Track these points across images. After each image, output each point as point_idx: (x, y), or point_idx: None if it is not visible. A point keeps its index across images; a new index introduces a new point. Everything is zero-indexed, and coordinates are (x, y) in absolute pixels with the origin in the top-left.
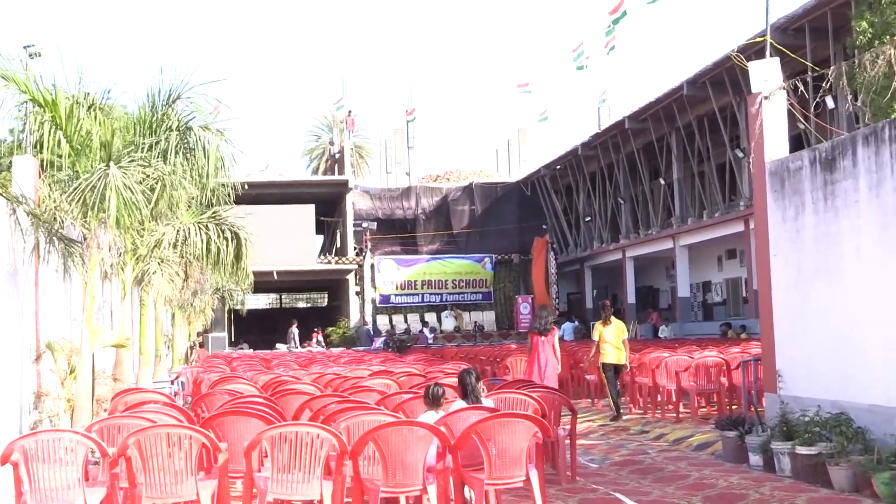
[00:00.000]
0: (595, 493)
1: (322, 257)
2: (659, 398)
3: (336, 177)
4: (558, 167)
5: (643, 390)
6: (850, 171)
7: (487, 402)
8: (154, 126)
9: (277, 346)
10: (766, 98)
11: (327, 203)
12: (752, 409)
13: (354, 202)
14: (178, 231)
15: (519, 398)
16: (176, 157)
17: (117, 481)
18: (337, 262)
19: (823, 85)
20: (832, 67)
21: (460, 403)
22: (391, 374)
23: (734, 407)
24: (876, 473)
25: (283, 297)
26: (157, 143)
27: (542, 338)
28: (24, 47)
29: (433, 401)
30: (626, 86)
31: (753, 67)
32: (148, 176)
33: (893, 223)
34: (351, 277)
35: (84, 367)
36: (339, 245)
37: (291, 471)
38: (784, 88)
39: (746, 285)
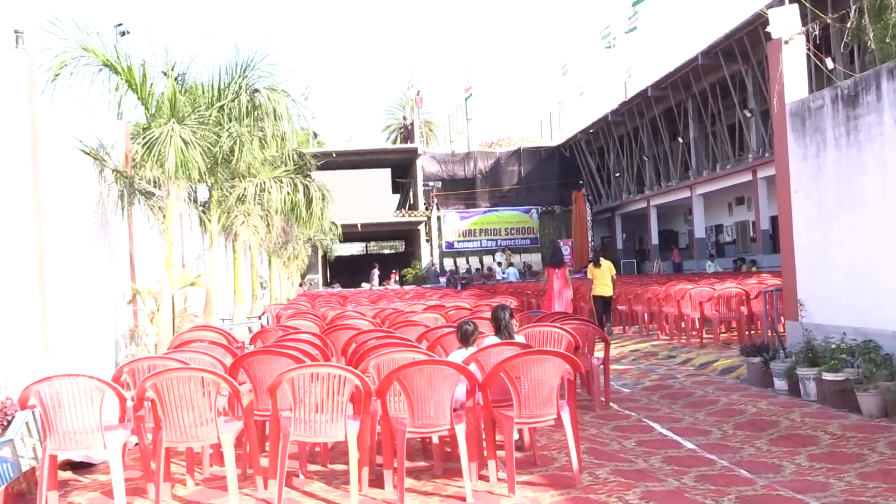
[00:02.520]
0: (628, 419)
1: (398, 212)
2: (683, 325)
3: (408, 145)
4: (591, 132)
5: (669, 319)
6: (874, 105)
7: (520, 338)
8: (222, 91)
9: (363, 285)
10: (786, 42)
11: (401, 167)
12: (775, 335)
13: (423, 166)
14: (257, 186)
15: (553, 331)
16: (248, 117)
17: (143, 423)
18: (410, 216)
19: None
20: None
21: (493, 339)
22: (442, 309)
23: (753, 332)
24: None
25: (368, 245)
26: (225, 105)
27: (557, 271)
28: (115, 26)
29: (464, 338)
30: (648, 60)
31: (773, 14)
32: (218, 136)
33: None
34: (422, 228)
35: (164, 306)
36: (411, 201)
37: (314, 412)
38: (802, 33)
39: (754, 227)
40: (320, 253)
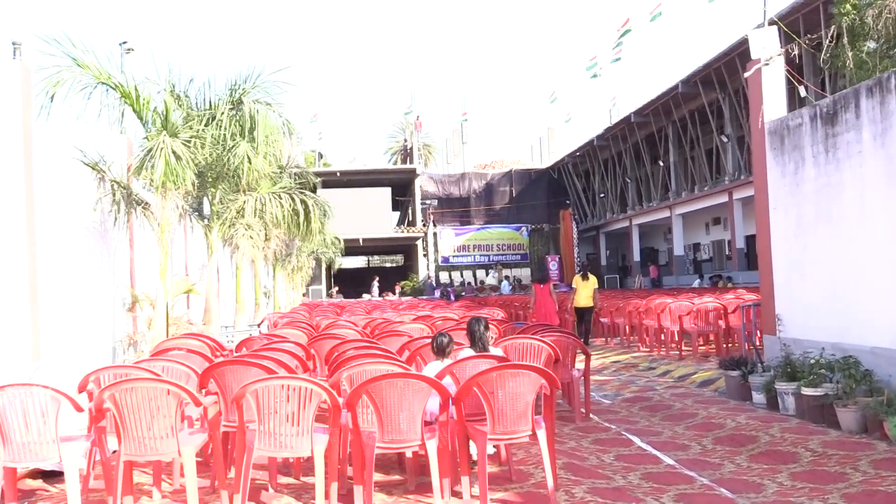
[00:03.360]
0: (608, 432)
1: (397, 228)
2: (663, 338)
3: (407, 166)
4: (578, 155)
5: (650, 331)
6: (853, 122)
7: (496, 350)
8: (213, 104)
9: (364, 295)
10: (765, 63)
11: (401, 186)
12: (752, 349)
13: (421, 185)
14: (255, 200)
15: (533, 344)
16: (230, 125)
17: (103, 435)
18: (408, 231)
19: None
20: (832, 28)
21: (468, 352)
22: (430, 319)
23: (730, 345)
24: (888, 417)
25: (370, 258)
26: (215, 117)
27: (541, 286)
28: (120, 44)
29: (439, 350)
30: (631, 88)
31: (753, 35)
32: (215, 147)
33: None
34: (419, 243)
35: (158, 313)
36: (410, 218)
37: (280, 425)
38: (781, 55)
39: (729, 245)
40: (324, 265)
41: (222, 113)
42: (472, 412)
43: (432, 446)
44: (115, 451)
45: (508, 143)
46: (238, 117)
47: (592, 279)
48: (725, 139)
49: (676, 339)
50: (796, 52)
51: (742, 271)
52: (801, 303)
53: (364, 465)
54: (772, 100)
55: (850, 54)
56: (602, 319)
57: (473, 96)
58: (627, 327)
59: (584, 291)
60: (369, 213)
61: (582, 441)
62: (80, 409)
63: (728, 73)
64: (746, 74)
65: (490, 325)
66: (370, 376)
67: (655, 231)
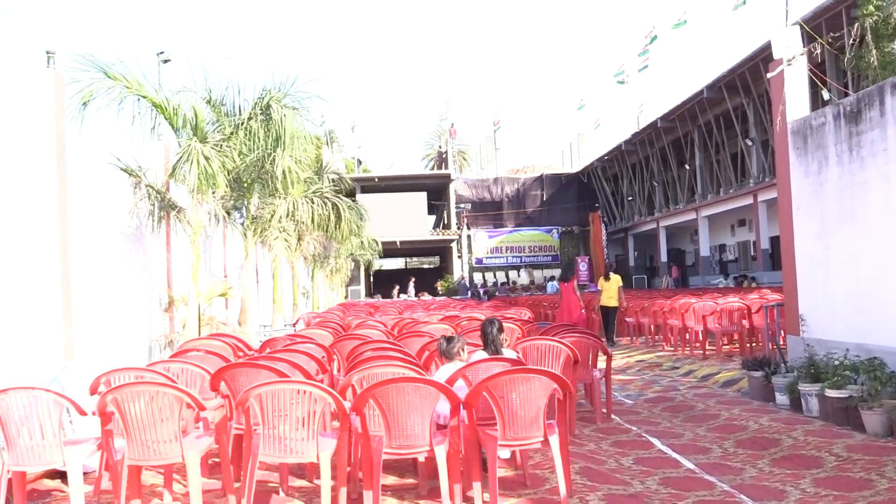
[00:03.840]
0: (628, 434)
1: (433, 231)
2: (688, 337)
3: (442, 171)
4: (607, 159)
5: (674, 331)
6: (878, 120)
7: (509, 352)
8: (241, 109)
9: (401, 295)
10: (788, 63)
11: (436, 191)
12: (776, 349)
13: (456, 189)
14: (289, 203)
15: (551, 345)
16: (260, 130)
17: (110, 438)
18: (443, 234)
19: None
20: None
21: (481, 354)
22: (456, 319)
23: (754, 345)
24: None
25: (408, 260)
26: (241, 123)
27: (565, 283)
28: (157, 54)
29: (443, 354)
30: (658, 94)
31: (776, 35)
32: (242, 153)
33: None
34: (454, 245)
35: (191, 314)
36: (445, 221)
37: (286, 429)
38: (804, 54)
39: (754, 246)
40: (362, 267)
41: (250, 118)
42: (484, 416)
43: (441, 452)
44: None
45: (540, 148)
46: (266, 123)
47: (615, 279)
48: (750, 143)
49: (700, 338)
50: (819, 52)
51: (767, 271)
52: (825, 303)
53: (372, 470)
54: (795, 100)
55: (874, 53)
56: (627, 319)
57: (506, 104)
58: (652, 326)
59: (607, 291)
60: (406, 217)
61: (602, 443)
62: (83, 413)
63: (752, 77)
64: (770, 75)
65: (506, 327)
66: (380, 379)
67: (682, 233)
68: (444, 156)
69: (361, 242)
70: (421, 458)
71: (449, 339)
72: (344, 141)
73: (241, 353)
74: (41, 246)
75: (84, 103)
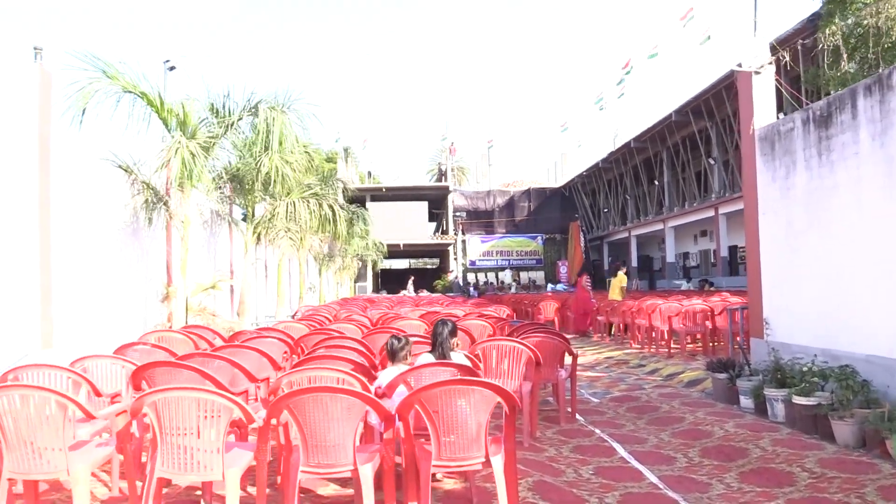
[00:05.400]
0: (591, 437)
1: (433, 235)
2: (654, 336)
3: (441, 183)
4: (586, 175)
5: (641, 330)
6: (849, 123)
7: (459, 356)
8: (230, 111)
9: (402, 292)
10: (756, 72)
11: (436, 200)
12: (740, 350)
13: (453, 200)
14: (287, 204)
15: (512, 346)
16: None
17: (128, 444)
18: (442, 238)
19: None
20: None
21: (427, 357)
22: (436, 314)
23: (715, 345)
24: (892, 434)
25: (411, 261)
26: (231, 124)
27: (579, 279)
28: (164, 62)
29: (391, 354)
30: (632, 117)
31: (744, 46)
32: (241, 154)
33: None
34: (451, 249)
35: (178, 305)
36: (444, 227)
37: (185, 443)
38: (772, 63)
39: (714, 254)
40: (369, 266)
41: (240, 119)
42: (424, 425)
43: (367, 472)
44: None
45: (528, 165)
46: (254, 124)
47: (618, 277)
48: (712, 162)
49: (666, 337)
50: (786, 62)
51: (725, 276)
52: (790, 307)
53: (289, 489)
54: (762, 107)
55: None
56: (599, 317)
57: (499, 126)
58: (622, 325)
59: (610, 289)
60: (409, 223)
61: (562, 448)
62: (91, 417)
63: (715, 103)
64: (739, 81)
65: (476, 325)
66: (309, 384)
67: (651, 241)
68: (444, 170)
69: (367, 244)
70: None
71: (399, 339)
72: (358, 156)
73: (200, 347)
74: (21, 238)
75: (85, 103)
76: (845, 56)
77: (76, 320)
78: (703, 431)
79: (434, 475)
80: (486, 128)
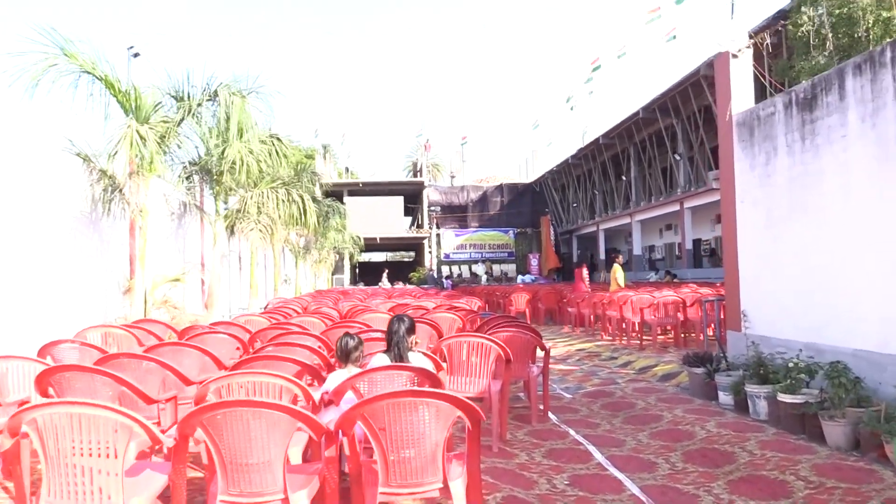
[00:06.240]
0: (565, 440)
1: (408, 229)
2: (625, 327)
3: (417, 179)
4: (556, 171)
5: (612, 321)
6: (836, 105)
7: (418, 358)
8: (191, 96)
9: (379, 284)
10: (734, 56)
11: (412, 195)
12: (717, 344)
13: (428, 195)
14: (256, 195)
15: (480, 343)
16: (210, 115)
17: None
18: (417, 232)
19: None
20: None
21: (381, 359)
22: (406, 307)
23: (685, 336)
24: (893, 438)
25: (387, 254)
26: (189, 109)
27: (577, 270)
28: (128, 48)
29: (342, 355)
30: (601, 115)
31: (721, 28)
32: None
33: (894, 153)
34: (426, 242)
35: (136, 298)
36: (419, 221)
37: (78, 467)
38: (750, 47)
39: (679, 247)
40: (346, 258)
41: (199, 104)
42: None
43: (301, 500)
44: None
45: (500, 161)
46: (215, 110)
47: (614, 268)
48: (678, 157)
49: (637, 329)
50: (767, 43)
51: (690, 269)
52: (770, 299)
53: None
54: (740, 92)
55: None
56: (570, 309)
57: (472, 123)
58: (592, 316)
59: (611, 281)
60: (386, 217)
61: (534, 453)
62: (158, 443)
63: (682, 100)
64: (716, 65)
65: (445, 317)
66: (235, 390)
67: (618, 234)
68: (419, 167)
69: (343, 237)
70: None
71: (353, 338)
72: (337, 153)
73: (145, 343)
74: None
75: (36, 83)
76: (824, 43)
77: (23, 315)
78: (684, 432)
79: None
80: (459, 125)
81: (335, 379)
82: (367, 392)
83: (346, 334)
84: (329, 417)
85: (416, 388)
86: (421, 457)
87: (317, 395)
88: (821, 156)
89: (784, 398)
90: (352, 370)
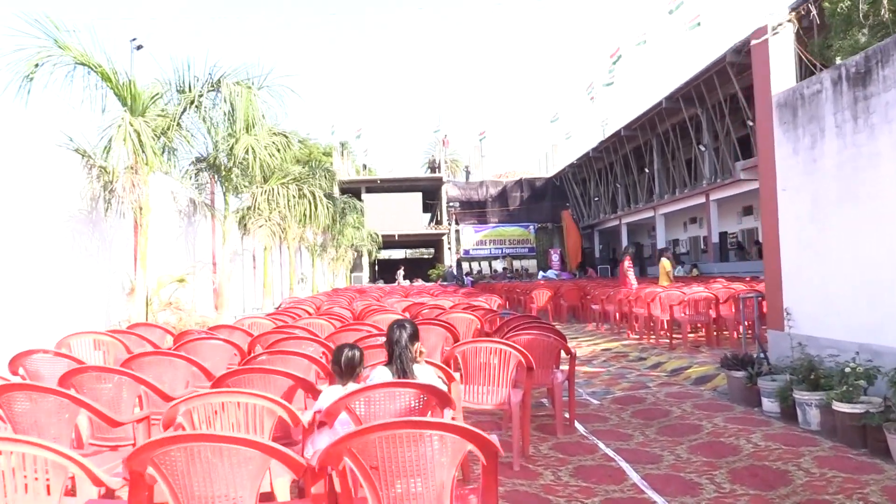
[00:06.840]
0: (594, 455)
1: (427, 226)
2: (653, 325)
3: (435, 174)
4: (576, 165)
5: (639, 319)
6: (895, 79)
7: (425, 371)
8: (192, 87)
9: (396, 282)
10: (773, 32)
11: (430, 191)
12: (757, 344)
13: (447, 191)
14: (266, 192)
15: (499, 348)
16: (213, 107)
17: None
18: (436, 229)
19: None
20: None
21: (383, 373)
22: (421, 306)
23: (719, 334)
24: None
25: (406, 251)
26: (192, 101)
27: (621, 263)
28: (131, 40)
29: (345, 369)
30: (622, 106)
31: (761, 4)
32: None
33: None
34: (445, 238)
35: (137, 299)
36: (437, 218)
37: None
38: (792, 21)
39: (705, 241)
40: (364, 256)
41: (201, 95)
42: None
43: None
44: None
45: (520, 156)
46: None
47: (662, 263)
48: (703, 148)
49: (666, 327)
50: (813, 14)
51: (716, 263)
52: (817, 295)
53: None
54: (780, 70)
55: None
56: (594, 306)
57: (491, 118)
58: (617, 314)
59: (660, 275)
60: (404, 214)
61: (560, 471)
62: (100, 485)
63: (706, 89)
64: (754, 42)
65: (461, 318)
66: (206, 410)
67: (641, 229)
68: (437, 163)
69: (361, 235)
70: None
71: (354, 349)
72: (354, 150)
73: (133, 351)
74: None
75: (30, 75)
76: (867, 18)
77: (23, 315)
78: (728, 445)
79: None
80: (478, 120)
81: (329, 396)
82: (364, 413)
83: (347, 345)
84: (322, 443)
85: (414, 417)
86: (427, 496)
87: (308, 416)
88: (876, 136)
89: (840, 407)
90: (349, 386)
